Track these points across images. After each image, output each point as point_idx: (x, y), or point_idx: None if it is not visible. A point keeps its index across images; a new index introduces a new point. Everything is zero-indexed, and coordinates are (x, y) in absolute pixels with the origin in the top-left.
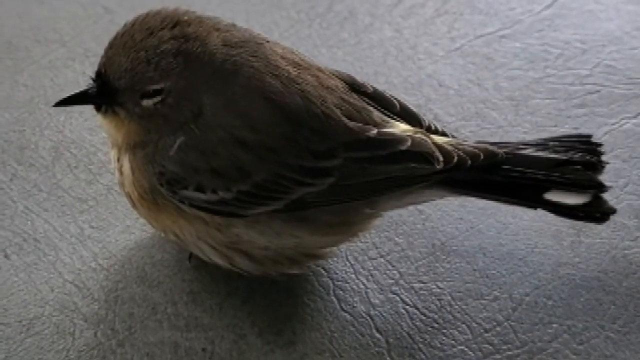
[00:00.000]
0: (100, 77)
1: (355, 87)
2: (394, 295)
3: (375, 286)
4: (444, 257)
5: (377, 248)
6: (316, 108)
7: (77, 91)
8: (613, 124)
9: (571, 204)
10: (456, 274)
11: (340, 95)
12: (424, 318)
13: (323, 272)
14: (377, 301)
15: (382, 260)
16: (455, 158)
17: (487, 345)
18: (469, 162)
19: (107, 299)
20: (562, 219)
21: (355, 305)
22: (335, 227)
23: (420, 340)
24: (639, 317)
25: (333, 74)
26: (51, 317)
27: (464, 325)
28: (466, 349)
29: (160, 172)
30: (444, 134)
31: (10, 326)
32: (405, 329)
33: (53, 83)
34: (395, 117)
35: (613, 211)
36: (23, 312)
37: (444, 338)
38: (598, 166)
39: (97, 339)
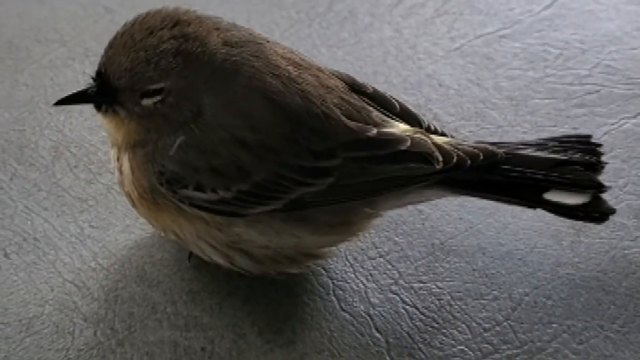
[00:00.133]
0: (100, 76)
1: (355, 87)
2: (394, 295)
3: (374, 286)
4: (443, 256)
5: (376, 248)
6: (316, 108)
7: (77, 90)
8: (612, 124)
9: (570, 204)
10: (456, 273)
11: (340, 95)
12: (423, 318)
13: (323, 271)
14: (376, 301)
15: (381, 260)
16: (455, 158)
17: (486, 345)
18: (469, 162)
19: (106, 298)
20: (561, 218)
21: (354, 304)
22: (334, 226)
23: (420, 339)
24: (638, 317)
25: (333, 74)
26: (51, 317)
27: (463, 325)
28: (466, 349)
29: (160, 171)
30: (443, 134)
31: (10, 325)
32: (404, 328)
33: (53, 82)
34: (394, 117)
35: (612, 211)
36: (23, 312)
37: (443, 338)
38: (597, 166)
39: (96, 338)
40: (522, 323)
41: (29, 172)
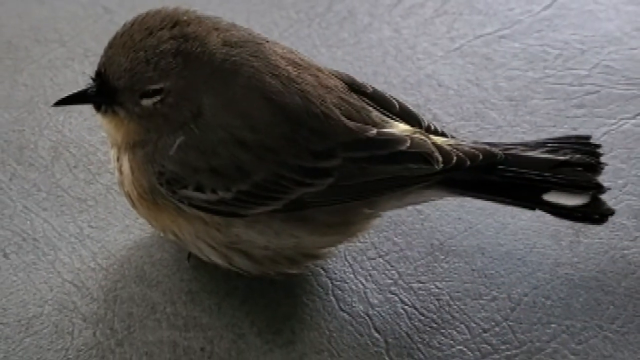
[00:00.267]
0: (99, 76)
1: (354, 87)
2: (393, 295)
3: (373, 286)
4: (442, 257)
5: (375, 248)
6: (315, 108)
7: (77, 91)
8: (612, 125)
9: (570, 205)
10: (455, 274)
11: (339, 95)
12: (422, 318)
13: (322, 272)
14: (375, 301)
15: (380, 260)
16: (454, 158)
17: (485, 345)
18: (468, 162)
19: (106, 298)
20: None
21: (353, 305)
22: (334, 227)
23: (419, 340)
24: (637, 317)
25: (332, 74)
26: (50, 317)
27: (462, 325)
28: (465, 349)
29: (159, 171)
30: (443, 134)
31: (9, 325)
32: (403, 328)
33: (52, 83)
34: (394, 117)
35: (611, 212)
36: (22, 312)
37: (442, 338)
38: (597, 167)
39: (96, 339)
40: (521, 323)
41: (29, 172)
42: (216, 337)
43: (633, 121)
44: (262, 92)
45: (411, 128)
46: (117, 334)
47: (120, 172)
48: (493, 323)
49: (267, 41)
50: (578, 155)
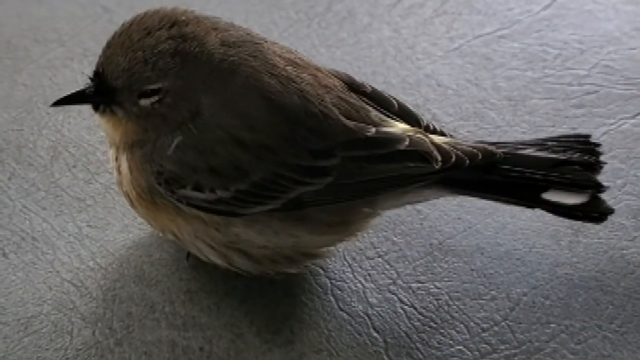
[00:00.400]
0: (98, 76)
1: (353, 86)
2: (392, 295)
3: (372, 286)
4: (441, 256)
5: (375, 248)
6: (314, 107)
7: (75, 91)
8: (611, 124)
9: (569, 203)
10: (454, 273)
11: (338, 94)
12: (421, 317)
13: (321, 271)
14: (374, 300)
15: (379, 259)
16: (453, 157)
17: (484, 345)
18: (467, 161)
19: (105, 297)
20: (560, 218)
21: (352, 304)
22: (333, 226)
23: (418, 339)
24: (636, 317)
25: (331, 74)
26: (49, 316)
27: (461, 324)
28: (464, 349)
29: (158, 171)
30: (442, 134)
31: (8, 325)
32: (402, 328)
33: (52, 82)
34: (393, 116)
35: (611, 211)
36: (21, 311)
37: (441, 337)
38: (596, 166)
39: (95, 338)
40: (520, 323)
41: (28, 172)
42: (215, 337)
43: (632, 121)
44: (260, 92)
45: (410, 127)
46: (116, 333)
47: (119, 171)
48: (492, 323)
49: (266, 41)
50: (577, 154)
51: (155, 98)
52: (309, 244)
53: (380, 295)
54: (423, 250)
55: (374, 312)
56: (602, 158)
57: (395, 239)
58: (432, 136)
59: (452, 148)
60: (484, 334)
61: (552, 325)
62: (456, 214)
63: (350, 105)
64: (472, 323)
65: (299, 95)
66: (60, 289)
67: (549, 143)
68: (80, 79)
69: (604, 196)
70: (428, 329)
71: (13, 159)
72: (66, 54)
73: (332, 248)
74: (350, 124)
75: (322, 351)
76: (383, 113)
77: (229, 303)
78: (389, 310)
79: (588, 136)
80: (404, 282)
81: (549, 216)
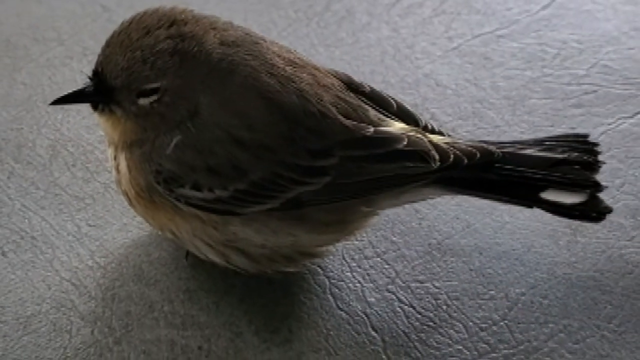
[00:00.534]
0: (97, 75)
1: (352, 86)
2: (390, 294)
3: (371, 285)
4: (440, 256)
5: (373, 247)
6: (313, 107)
7: (74, 90)
8: (610, 124)
9: (567, 203)
10: (452, 273)
11: (336, 93)
12: (420, 317)
13: (319, 270)
14: (373, 300)
15: (378, 259)
16: (452, 157)
17: (483, 345)
18: (465, 160)
19: (104, 296)
20: (558, 218)
21: (351, 303)
22: (331, 225)
23: (416, 338)
24: (634, 317)
25: (330, 73)
26: (48, 315)
27: (460, 324)
28: (462, 348)
29: (157, 170)
30: (440, 133)
31: (8, 324)
32: (401, 327)
33: (51, 81)
34: (391, 116)
35: (609, 211)
36: (20, 310)
37: (440, 337)
38: (594, 166)
39: (94, 337)
40: (518, 322)
41: (27, 171)
42: (214, 336)
43: (631, 121)
44: (259, 91)
45: (408, 127)
46: (115, 332)
47: (118, 170)
48: (490, 322)
49: (265, 40)
50: (576, 154)
51: (154, 97)
52: (307, 243)
53: (378, 295)
54: (421, 250)
55: (373, 311)
56: (600, 157)
57: (393, 238)
58: (431, 136)
59: (450, 147)
60: (482, 334)
61: (550, 324)
62: (455, 214)
63: (348, 104)
64: (470, 322)
65: (298, 95)
66: (59, 287)
67: (548, 142)
68: (79, 77)
69: (602, 196)
70: (426, 328)
71: (12, 158)
72: (65, 53)
73: (331, 247)
74: (349, 123)
75: (321, 350)
76: (381, 113)
77: (228, 302)
78: (387, 310)
79: (587, 136)
80: (403, 282)
81: (547, 216)
